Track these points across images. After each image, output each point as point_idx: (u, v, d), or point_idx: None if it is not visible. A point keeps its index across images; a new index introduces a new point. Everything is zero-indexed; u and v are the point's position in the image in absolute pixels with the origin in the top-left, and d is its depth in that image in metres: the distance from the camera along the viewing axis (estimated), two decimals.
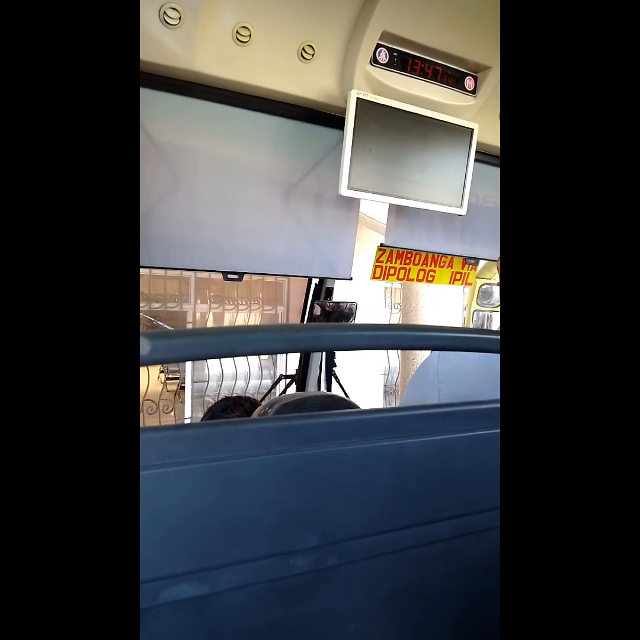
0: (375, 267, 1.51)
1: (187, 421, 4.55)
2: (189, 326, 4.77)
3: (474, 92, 1.11)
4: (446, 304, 3.55)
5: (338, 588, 0.43)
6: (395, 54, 1.00)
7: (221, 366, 4.44)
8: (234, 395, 1.32)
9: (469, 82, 1.09)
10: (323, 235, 1.31)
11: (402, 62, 1.02)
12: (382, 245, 1.47)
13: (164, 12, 0.82)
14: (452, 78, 1.07)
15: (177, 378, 5.41)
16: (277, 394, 2.07)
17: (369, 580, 0.45)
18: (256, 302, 4.89)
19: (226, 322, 4.95)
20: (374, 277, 1.53)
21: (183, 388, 4.95)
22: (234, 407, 1.20)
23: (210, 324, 4.93)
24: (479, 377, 0.74)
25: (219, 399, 1.27)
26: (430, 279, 1.65)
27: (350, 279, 1.42)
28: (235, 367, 4.50)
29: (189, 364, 4.63)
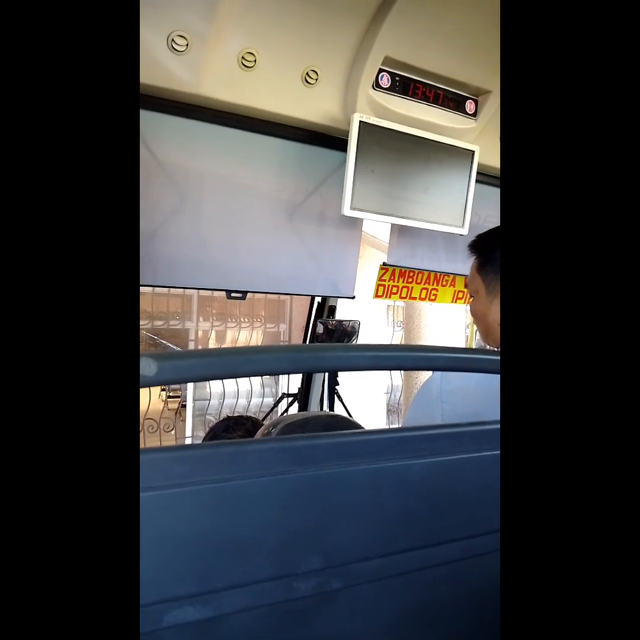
0: (378, 285, 1.52)
1: (188, 440, 4.52)
2: (191, 344, 4.77)
3: (474, 115, 1.13)
4: (449, 322, 3.55)
5: (342, 612, 0.43)
6: (397, 78, 1.03)
7: (223, 384, 4.42)
8: (236, 414, 1.31)
9: (470, 106, 1.12)
10: (326, 254, 1.33)
11: (403, 86, 1.04)
12: (384, 264, 1.48)
13: (172, 40, 0.84)
14: (453, 102, 1.10)
15: (178, 396, 5.39)
16: (280, 413, 2.06)
17: (373, 604, 0.44)
18: (258, 320, 4.90)
19: (228, 340, 4.95)
20: (376, 296, 1.54)
21: (184, 406, 4.93)
22: (235, 426, 1.19)
23: (212, 341, 4.93)
24: (481, 397, 0.74)
25: (221, 419, 1.26)
26: (432, 297, 1.65)
27: (353, 297, 1.43)
28: (237, 385, 4.49)
29: (190, 383, 4.61)
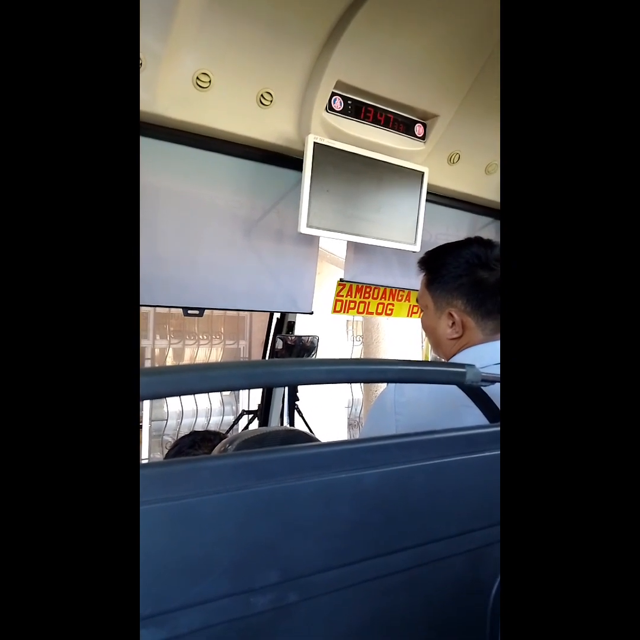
0: (336, 301, 1.55)
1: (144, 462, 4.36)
2: (148, 363, 4.65)
3: (423, 138, 1.18)
4: (406, 335, 3.63)
5: (300, 625, 0.43)
6: (349, 102, 1.07)
7: (181, 403, 4.32)
8: (203, 430, 1.28)
9: (418, 129, 1.17)
10: (284, 271, 1.34)
11: (355, 110, 1.08)
12: (341, 280, 1.51)
13: None
14: (402, 125, 1.15)
15: None
16: (240, 430, 2.03)
17: (331, 616, 0.45)
18: (218, 337, 4.83)
19: (187, 358, 4.85)
20: (334, 311, 1.56)
21: (140, 427, 4.77)
22: (202, 442, 1.15)
23: (169, 360, 4.82)
24: (433, 407, 0.77)
25: (188, 433, 1.23)
26: (389, 312, 1.69)
27: (311, 313, 1.44)
28: (196, 403, 4.40)
29: (146, 401, 4.48)
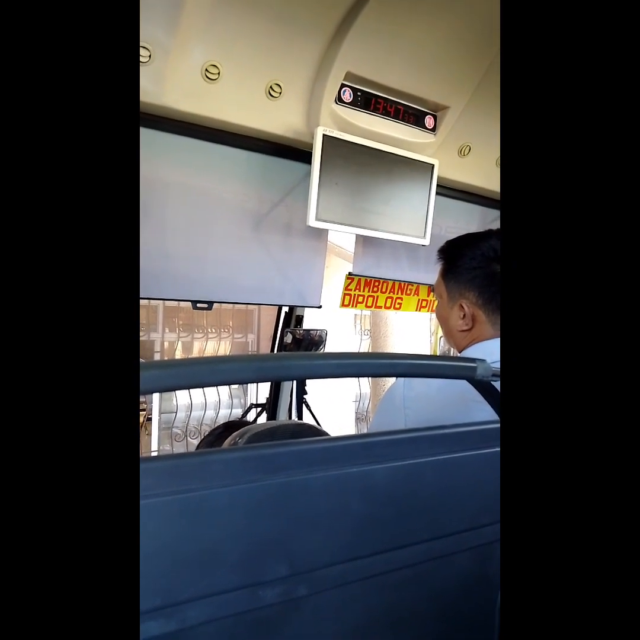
0: (344, 295, 1.54)
1: (154, 454, 4.41)
2: (157, 356, 4.68)
3: (433, 130, 1.17)
4: (414, 330, 3.62)
5: (309, 618, 0.43)
6: (358, 93, 1.06)
7: (190, 396, 4.34)
8: (204, 425, 1.29)
9: (429, 121, 1.15)
10: (292, 264, 1.34)
11: (365, 101, 1.07)
12: (350, 273, 1.50)
13: None
14: (413, 117, 1.13)
15: (143, 409, 5.25)
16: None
17: (340, 609, 0.45)
18: (226, 330, 4.85)
19: (195, 351, 4.87)
20: (343, 305, 1.56)
21: (150, 420, 4.81)
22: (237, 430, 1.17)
23: (178, 353, 4.85)
24: (442, 402, 0.76)
25: (223, 422, 1.24)
26: (397, 306, 1.68)
27: (320, 306, 1.44)
28: (205, 396, 4.42)
29: (156, 394, 4.51)
